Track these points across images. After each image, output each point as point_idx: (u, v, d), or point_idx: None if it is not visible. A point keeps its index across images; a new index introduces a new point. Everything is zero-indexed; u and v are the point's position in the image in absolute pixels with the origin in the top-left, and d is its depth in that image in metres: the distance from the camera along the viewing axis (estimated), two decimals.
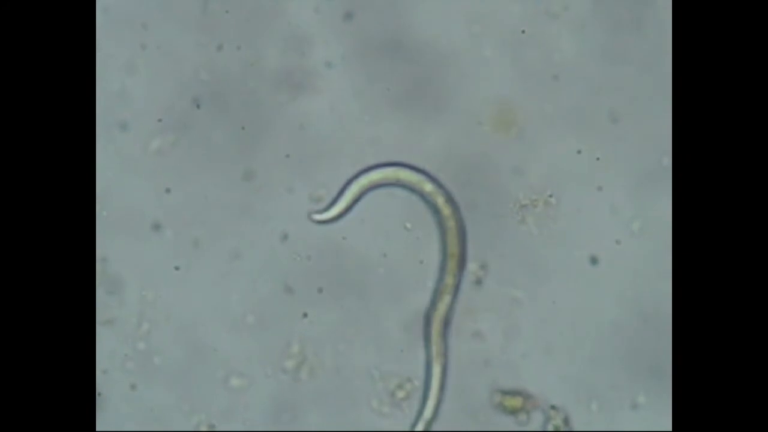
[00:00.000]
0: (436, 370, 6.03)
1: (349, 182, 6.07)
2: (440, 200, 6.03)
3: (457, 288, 6.05)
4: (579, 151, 6.08)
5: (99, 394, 6.06)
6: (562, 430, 6.02)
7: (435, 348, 6.04)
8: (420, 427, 6.03)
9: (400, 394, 6.08)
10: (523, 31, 6.08)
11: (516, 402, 6.05)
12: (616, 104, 6.09)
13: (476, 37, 6.10)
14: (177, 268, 6.09)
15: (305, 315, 6.10)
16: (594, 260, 6.07)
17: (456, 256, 6.05)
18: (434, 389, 6.03)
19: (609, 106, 6.09)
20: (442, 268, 6.05)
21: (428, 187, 6.03)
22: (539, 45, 6.10)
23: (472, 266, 6.08)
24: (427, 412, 6.03)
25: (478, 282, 6.07)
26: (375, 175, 6.07)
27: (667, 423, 5.98)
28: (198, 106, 6.03)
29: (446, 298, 6.04)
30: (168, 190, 6.10)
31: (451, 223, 6.04)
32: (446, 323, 6.05)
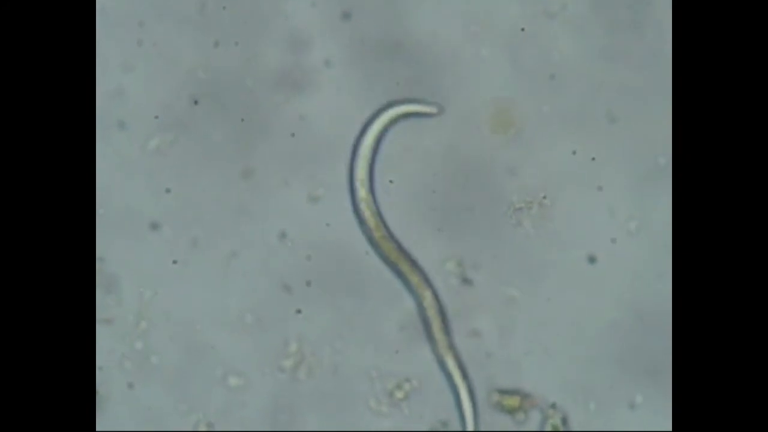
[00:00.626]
0: (451, 363, 6.02)
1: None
2: (368, 213, 6.07)
3: (426, 280, 6.04)
4: (574, 152, 6.09)
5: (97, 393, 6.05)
6: (560, 429, 6.03)
7: (440, 344, 6.03)
8: (470, 426, 6.02)
9: (399, 394, 6.08)
10: (523, 29, 6.09)
11: (514, 401, 6.05)
12: (614, 104, 6.10)
13: (474, 37, 6.11)
14: (175, 262, 6.08)
15: (299, 311, 6.09)
16: (592, 260, 6.08)
17: (401, 259, 6.05)
18: (459, 381, 6.01)
19: (607, 106, 6.10)
20: (399, 274, 6.05)
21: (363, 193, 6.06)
22: (538, 45, 6.11)
23: (449, 265, 6.09)
24: (467, 407, 6.02)
25: (466, 281, 6.07)
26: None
27: (665, 423, 6.00)
28: (196, 102, 6.02)
29: (426, 294, 6.04)
30: (168, 190, 6.08)
31: (378, 234, 6.05)
32: (443, 316, 6.05)
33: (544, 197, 6.08)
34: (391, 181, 6.10)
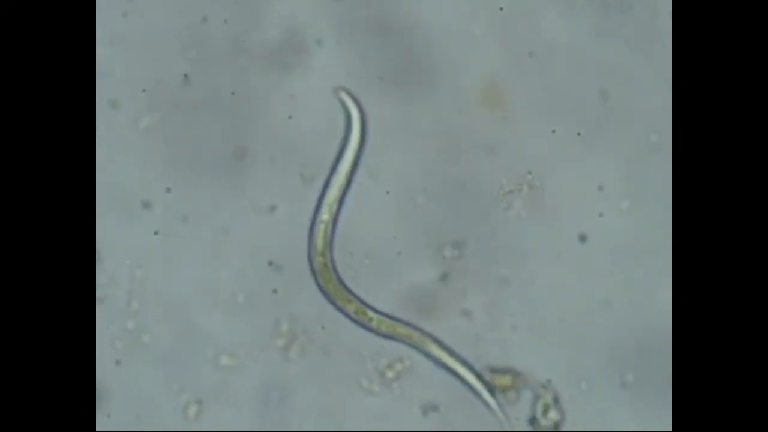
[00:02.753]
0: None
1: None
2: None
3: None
4: (553, 131, 6.09)
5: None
6: (551, 408, 6.03)
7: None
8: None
9: (390, 373, 6.09)
10: (501, 8, 6.09)
11: (505, 380, 6.05)
12: (606, 83, 6.09)
13: (466, 16, 6.10)
14: (156, 233, 6.07)
15: (275, 291, 6.08)
16: (583, 238, 6.08)
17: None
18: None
19: (599, 85, 6.09)
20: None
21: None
22: (529, 24, 6.11)
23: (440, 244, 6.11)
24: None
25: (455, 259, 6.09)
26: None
27: (656, 402, 6.00)
28: (185, 76, 6.03)
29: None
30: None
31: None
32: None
33: (529, 172, 6.07)
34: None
